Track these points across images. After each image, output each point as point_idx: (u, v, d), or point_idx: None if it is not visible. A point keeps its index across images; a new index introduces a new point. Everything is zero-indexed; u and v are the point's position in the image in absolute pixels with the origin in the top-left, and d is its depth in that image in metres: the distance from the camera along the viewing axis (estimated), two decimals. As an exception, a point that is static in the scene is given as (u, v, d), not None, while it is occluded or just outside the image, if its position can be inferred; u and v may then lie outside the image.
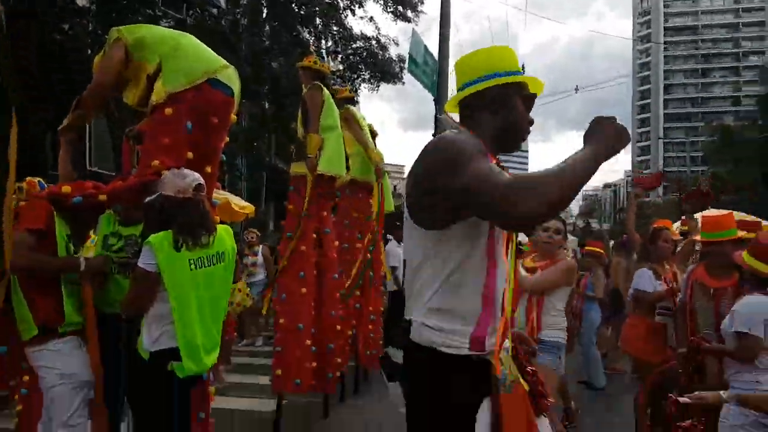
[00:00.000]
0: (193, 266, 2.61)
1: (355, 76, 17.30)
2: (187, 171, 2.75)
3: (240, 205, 9.52)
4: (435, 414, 1.61)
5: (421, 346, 1.65)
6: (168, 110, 2.92)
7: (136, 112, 3.33)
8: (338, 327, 5.18)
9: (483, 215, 1.62)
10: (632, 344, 4.59)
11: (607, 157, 1.63)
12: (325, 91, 4.86)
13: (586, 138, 1.69)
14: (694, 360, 3.47)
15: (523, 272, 3.76)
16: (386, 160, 7.02)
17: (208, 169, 3.14)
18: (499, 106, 1.82)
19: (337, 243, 5.43)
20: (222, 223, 3.04)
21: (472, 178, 1.55)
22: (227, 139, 3.32)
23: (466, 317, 1.67)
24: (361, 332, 6.09)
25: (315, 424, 4.96)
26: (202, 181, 2.74)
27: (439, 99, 11.90)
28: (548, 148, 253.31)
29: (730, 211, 4.18)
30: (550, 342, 3.65)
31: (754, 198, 29.07)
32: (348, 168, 5.76)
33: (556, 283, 3.77)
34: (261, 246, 8.81)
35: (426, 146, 1.73)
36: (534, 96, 1.90)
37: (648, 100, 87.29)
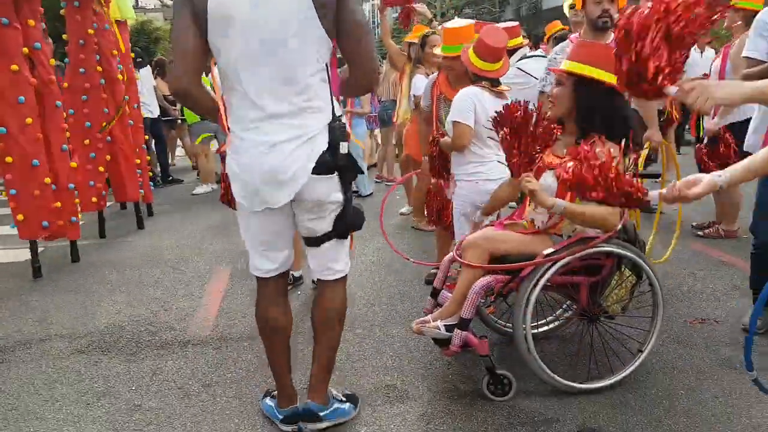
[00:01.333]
0: None
1: None
2: None
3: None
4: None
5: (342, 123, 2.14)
6: None
7: None
8: (73, 164, 4.58)
9: (346, 55, 2.05)
10: (412, 145, 5.22)
11: None
12: None
13: None
14: (437, 158, 3.69)
15: None
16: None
17: None
18: None
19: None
20: None
21: (367, 28, 2.03)
22: None
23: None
24: (127, 167, 5.58)
25: (66, 269, 4.58)
26: None
27: None
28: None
29: (472, 22, 3.77)
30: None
31: (492, 9, 31.74)
32: None
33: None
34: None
35: None
36: None
37: None
